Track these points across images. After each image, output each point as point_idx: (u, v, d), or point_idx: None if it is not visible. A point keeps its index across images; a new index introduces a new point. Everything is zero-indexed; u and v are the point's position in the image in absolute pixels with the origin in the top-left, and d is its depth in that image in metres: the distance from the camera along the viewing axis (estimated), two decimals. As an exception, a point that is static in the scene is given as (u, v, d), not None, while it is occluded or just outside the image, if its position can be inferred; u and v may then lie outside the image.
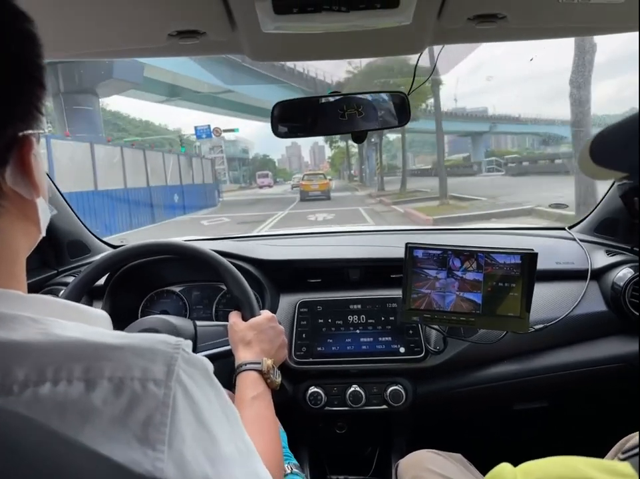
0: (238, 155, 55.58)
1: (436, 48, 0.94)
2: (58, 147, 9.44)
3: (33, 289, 1.19)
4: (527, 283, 0.96)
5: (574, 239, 1.35)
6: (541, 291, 1.16)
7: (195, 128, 26.17)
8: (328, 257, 1.31)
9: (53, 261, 1.31)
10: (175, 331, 0.91)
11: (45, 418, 0.30)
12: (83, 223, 1.41)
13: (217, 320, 1.26)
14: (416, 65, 0.93)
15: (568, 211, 5.61)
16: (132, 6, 0.66)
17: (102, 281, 1.13)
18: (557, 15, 0.76)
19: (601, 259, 1.26)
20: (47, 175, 1.24)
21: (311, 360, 1.14)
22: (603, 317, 1.18)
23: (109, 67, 15.35)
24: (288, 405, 1.11)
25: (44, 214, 0.42)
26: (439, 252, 0.99)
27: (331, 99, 0.90)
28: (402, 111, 0.91)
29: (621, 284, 1.15)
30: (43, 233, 0.43)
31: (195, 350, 0.92)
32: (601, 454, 0.76)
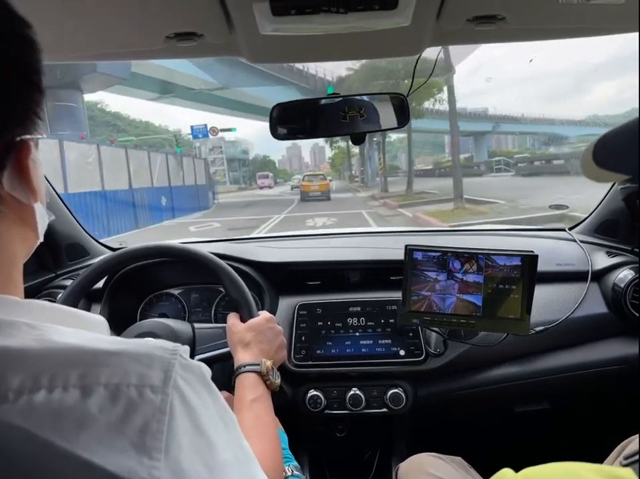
0: (238, 156, 55.66)
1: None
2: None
3: (31, 292, 1.19)
4: (528, 285, 0.95)
5: (574, 240, 1.35)
6: (541, 293, 1.16)
7: (192, 127, 25.55)
8: (327, 259, 1.30)
9: (51, 264, 1.31)
10: (173, 334, 0.91)
11: (40, 426, 0.30)
12: (82, 226, 1.41)
13: (216, 322, 1.25)
14: (415, 66, 0.93)
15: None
16: (129, 8, 0.66)
17: (100, 284, 1.13)
18: (557, 16, 0.76)
19: (601, 260, 1.25)
20: (45, 179, 1.24)
21: (310, 363, 1.14)
22: (603, 319, 1.18)
23: (93, 61, 15.00)
24: (287, 408, 1.11)
25: (42, 219, 0.42)
26: (439, 254, 0.98)
27: (332, 101, 0.89)
28: (402, 112, 0.91)
29: (622, 285, 1.15)
30: (41, 239, 0.43)
31: (194, 352, 0.91)
32: (603, 456, 0.76)
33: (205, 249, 0.97)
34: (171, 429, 0.32)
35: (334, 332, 1.16)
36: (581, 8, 0.72)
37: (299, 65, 25.55)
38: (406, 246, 0.99)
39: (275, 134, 0.91)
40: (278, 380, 0.79)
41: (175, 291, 1.28)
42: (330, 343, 1.15)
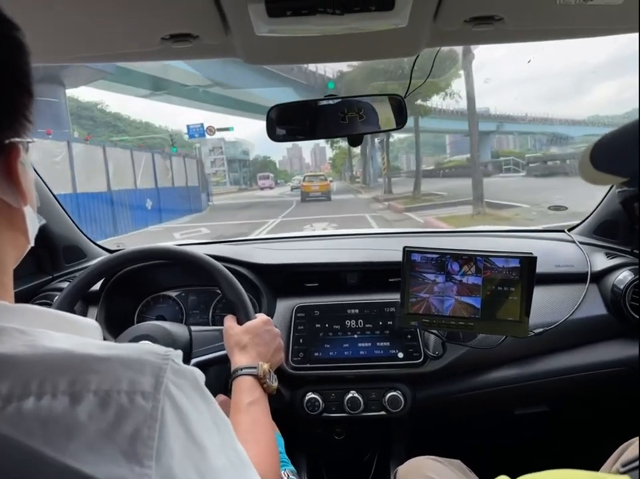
0: (239, 156, 55.67)
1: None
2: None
3: (28, 294, 1.19)
4: (527, 286, 0.95)
5: (573, 242, 1.34)
6: (540, 295, 1.15)
7: (188, 126, 24.77)
8: (325, 260, 1.30)
9: (48, 266, 1.30)
10: (170, 337, 0.90)
11: (29, 435, 0.29)
12: (79, 228, 1.41)
13: (214, 324, 1.25)
14: (412, 67, 0.92)
15: None
16: (124, 10, 0.65)
17: (97, 287, 1.12)
18: (555, 17, 0.75)
19: (600, 261, 1.24)
20: (42, 179, 1.24)
21: (308, 365, 1.13)
22: (603, 321, 1.17)
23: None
24: (285, 411, 1.10)
25: (33, 223, 0.42)
26: (437, 256, 0.98)
27: (331, 102, 0.89)
28: (400, 113, 0.91)
29: (621, 287, 1.14)
30: (32, 243, 0.43)
31: (190, 355, 0.91)
32: (602, 458, 0.75)
33: (202, 251, 0.97)
34: (163, 435, 0.32)
35: (332, 335, 1.16)
36: (579, 9, 0.71)
37: (299, 63, 25.16)
38: (404, 248, 0.99)
39: (273, 136, 0.91)
40: (275, 383, 0.79)
41: (173, 293, 1.28)
42: (328, 346, 1.15)
